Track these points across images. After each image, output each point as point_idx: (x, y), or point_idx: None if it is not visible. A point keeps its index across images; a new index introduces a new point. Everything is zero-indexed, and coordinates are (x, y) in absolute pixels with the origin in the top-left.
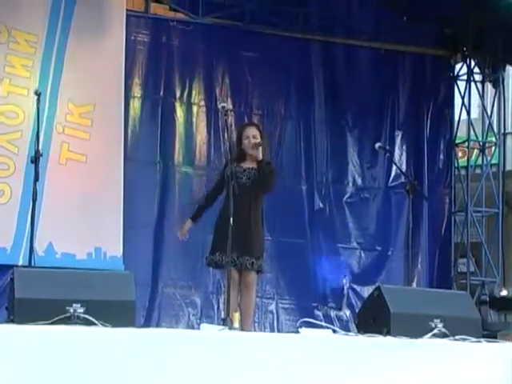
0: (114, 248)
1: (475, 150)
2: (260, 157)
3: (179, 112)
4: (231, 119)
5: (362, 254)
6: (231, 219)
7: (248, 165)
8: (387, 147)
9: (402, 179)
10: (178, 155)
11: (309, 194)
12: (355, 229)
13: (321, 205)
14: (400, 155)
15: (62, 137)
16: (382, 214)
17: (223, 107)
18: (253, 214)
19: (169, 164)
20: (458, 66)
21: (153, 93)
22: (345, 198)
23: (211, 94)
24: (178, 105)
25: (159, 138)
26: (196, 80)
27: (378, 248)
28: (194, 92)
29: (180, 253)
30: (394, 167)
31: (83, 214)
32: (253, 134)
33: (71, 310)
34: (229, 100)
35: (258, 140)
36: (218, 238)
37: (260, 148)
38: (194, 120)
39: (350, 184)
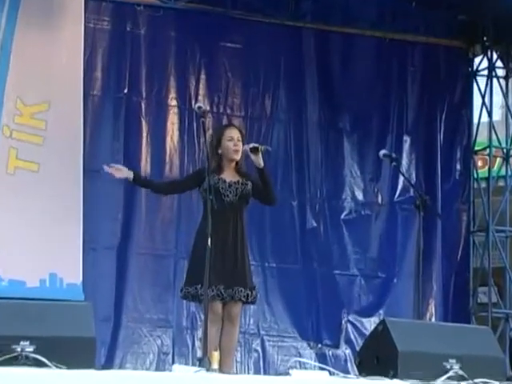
0: (72, 274)
1: (498, 159)
2: (261, 163)
3: (147, 113)
4: (209, 122)
5: (363, 282)
6: (209, 240)
7: (231, 177)
8: (393, 155)
9: (411, 193)
10: (146, 165)
11: (300, 210)
12: (355, 252)
13: (314, 223)
14: (408, 165)
15: (9, 142)
16: (386, 235)
17: (199, 108)
18: (240, 237)
19: None
20: (477, 60)
21: (115, 90)
22: (342, 216)
23: (185, 92)
24: (145, 105)
25: (123, 144)
26: (167, 75)
27: (382, 275)
28: (164, 90)
29: (148, 280)
30: (402, 179)
31: (35, 234)
32: (237, 136)
33: (18, 349)
34: (206, 99)
35: (255, 144)
36: (199, 266)
37: (260, 153)
38: (165, 123)
39: (349, 199)
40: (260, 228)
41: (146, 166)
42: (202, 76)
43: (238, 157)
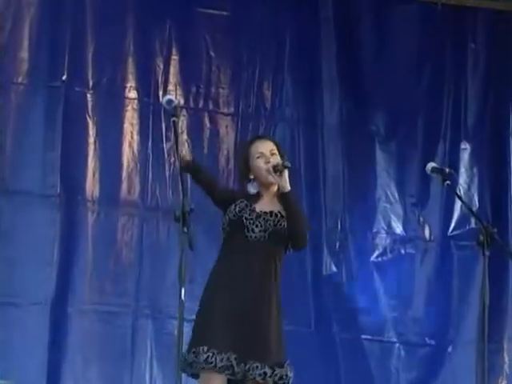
0: None
1: None
2: (287, 186)
3: (94, 110)
4: (183, 122)
5: (404, 352)
6: (182, 291)
7: (268, 206)
8: (447, 170)
9: (473, 224)
10: (93, 183)
11: (313, 249)
12: (391, 308)
13: (333, 268)
14: (468, 184)
15: None
16: (436, 284)
17: (169, 102)
18: (268, 292)
19: (76, 198)
20: None
21: (49, 77)
22: (373, 257)
23: (149, 79)
24: (92, 98)
25: (60, 154)
26: (123, 56)
27: (431, 342)
28: (119, 76)
29: (95, 348)
30: (459, 204)
31: None
32: (270, 149)
33: None
34: (179, 90)
35: (280, 161)
36: (204, 324)
37: (286, 172)
38: (120, 123)
39: (383, 232)
40: None
41: (92, 186)
42: (174, 57)
43: (269, 179)
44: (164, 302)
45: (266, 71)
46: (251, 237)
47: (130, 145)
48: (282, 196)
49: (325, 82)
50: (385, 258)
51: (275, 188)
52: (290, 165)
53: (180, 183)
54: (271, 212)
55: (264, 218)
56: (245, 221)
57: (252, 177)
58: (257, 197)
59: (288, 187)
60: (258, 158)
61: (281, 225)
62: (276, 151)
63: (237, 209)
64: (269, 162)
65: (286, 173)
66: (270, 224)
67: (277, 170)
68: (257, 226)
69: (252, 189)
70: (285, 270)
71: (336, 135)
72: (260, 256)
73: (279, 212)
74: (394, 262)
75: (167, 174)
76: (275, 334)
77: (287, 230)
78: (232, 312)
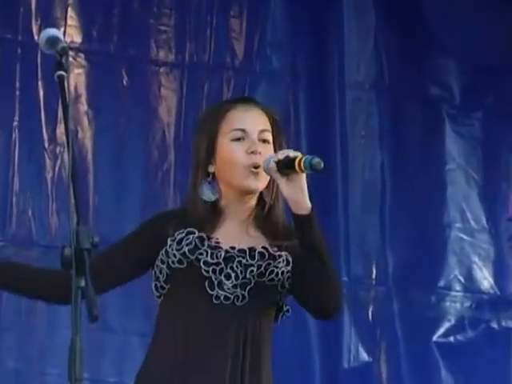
0: None
1: None
2: (304, 203)
3: None
4: (80, 78)
5: None
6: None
7: (233, 237)
8: None
9: None
10: None
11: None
12: None
13: (364, 355)
14: None
15: None
16: None
17: (53, 41)
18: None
19: None
20: None
21: None
22: (438, 335)
23: (16, 3)
24: None
25: None
26: None
27: None
28: None
29: None
30: None
31: None
32: (261, 129)
33: None
34: (71, 19)
35: (297, 153)
36: None
37: (302, 175)
38: None
39: (457, 288)
40: None
41: None
42: None
43: (258, 184)
44: None
45: None
46: (218, 298)
47: None
48: (297, 220)
49: (348, 9)
50: (460, 337)
51: (254, 199)
52: (322, 166)
53: (72, 195)
54: (251, 250)
55: (240, 263)
56: (204, 268)
57: (212, 171)
58: (214, 216)
59: (309, 204)
60: (236, 140)
61: (272, 273)
62: (270, 135)
63: (184, 247)
64: (254, 153)
65: (304, 178)
66: (252, 273)
67: (289, 169)
68: (228, 277)
69: (207, 193)
70: (285, 357)
71: (369, 106)
72: (236, 331)
73: (265, 249)
74: (476, 345)
75: (48, 177)
76: None
77: (308, 285)
78: None
